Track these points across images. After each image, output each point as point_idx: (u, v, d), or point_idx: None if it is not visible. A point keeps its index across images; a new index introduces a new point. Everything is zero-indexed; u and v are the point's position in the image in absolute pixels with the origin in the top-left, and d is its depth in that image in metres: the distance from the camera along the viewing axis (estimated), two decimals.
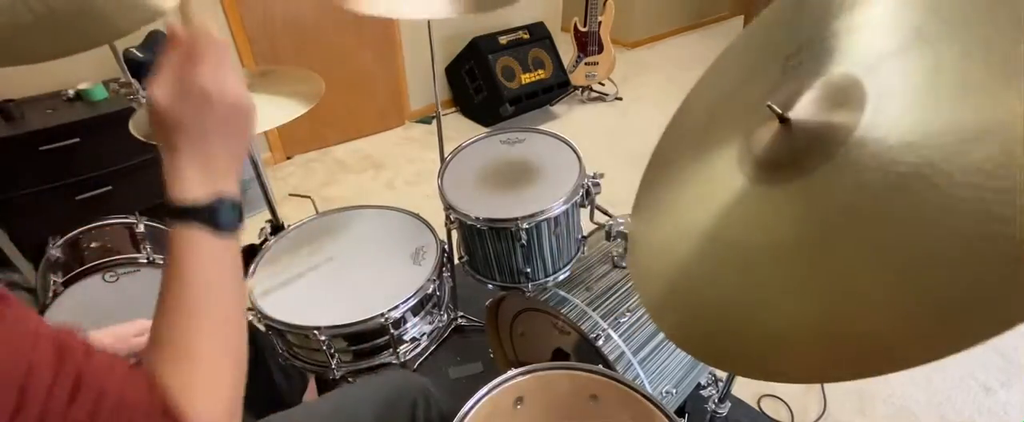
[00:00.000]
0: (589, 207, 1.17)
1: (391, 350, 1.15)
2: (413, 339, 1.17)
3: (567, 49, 3.31)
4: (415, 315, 1.16)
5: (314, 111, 1.17)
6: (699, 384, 1.19)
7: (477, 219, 1.09)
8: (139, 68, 1.93)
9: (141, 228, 1.50)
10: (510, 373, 0.84)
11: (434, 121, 1.65)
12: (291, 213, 2.38)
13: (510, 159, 1.24)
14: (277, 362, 1.20)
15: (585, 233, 1.24)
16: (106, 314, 1.30)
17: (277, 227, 1.49)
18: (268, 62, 2.56)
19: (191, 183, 0.43)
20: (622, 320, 1.11)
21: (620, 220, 1.13)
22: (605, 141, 3.02)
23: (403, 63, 3.07)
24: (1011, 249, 0.32)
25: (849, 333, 0.39)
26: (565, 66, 3.27)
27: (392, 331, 1.11)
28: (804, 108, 0.51)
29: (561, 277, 1.20)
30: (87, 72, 2.02)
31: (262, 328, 1.12)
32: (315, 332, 1.05)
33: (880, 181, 0.41)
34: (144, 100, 1.28)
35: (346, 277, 1.17)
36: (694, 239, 0.58)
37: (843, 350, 0.39)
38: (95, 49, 0.88)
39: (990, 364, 1.61)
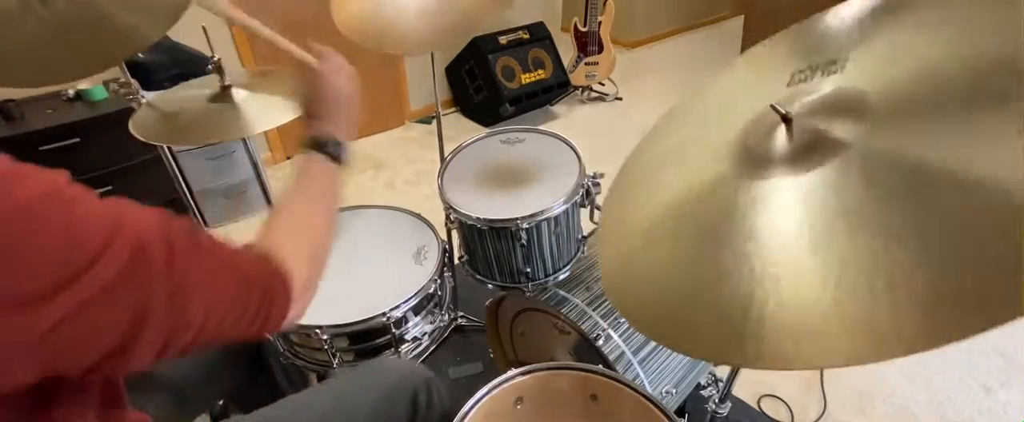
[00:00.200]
0: (589, 207, 1.17)
1: (392, 350, 1.15)
2: (414, 339, 1.17)
3: (567, 49, 3.31)
4: (417, 315, 1.16)
5: None
6: (699, 384, 1.19)
7: (477, 219, 1.09)
8: (140, 69, 1.93)
9: None
10: (510, 373, 0.85)
11: (434, 121, 1.65)
12: None
13: (510, 159, 1.24)
14: (278, 361, 1.20)
15: (585, 233, 1.24)
16: None
17: None
18: (268, 62, 2.56)
19: (325, 130, 0.71)
20: (622, 320, 1.11)
21: None
22: (605, 141, 3.02)
23: (403, 63, 3.07)
24: (1012, 249, 0.32)
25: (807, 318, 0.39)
26: (565, 66, 3.27)
27: (394, 330, 1.11)
28: (806, 109, 0.51)
29: (561, 277, 1.20)
30: None
31: None
32: (317, 331, 1.05)
33: (881, 181, 0.41)
34: (143, 101, 1.28)
35: (348, 276, 1.17)
36: (660, 218, 0.61)
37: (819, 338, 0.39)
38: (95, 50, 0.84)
39: (990, 364, 1.61)
